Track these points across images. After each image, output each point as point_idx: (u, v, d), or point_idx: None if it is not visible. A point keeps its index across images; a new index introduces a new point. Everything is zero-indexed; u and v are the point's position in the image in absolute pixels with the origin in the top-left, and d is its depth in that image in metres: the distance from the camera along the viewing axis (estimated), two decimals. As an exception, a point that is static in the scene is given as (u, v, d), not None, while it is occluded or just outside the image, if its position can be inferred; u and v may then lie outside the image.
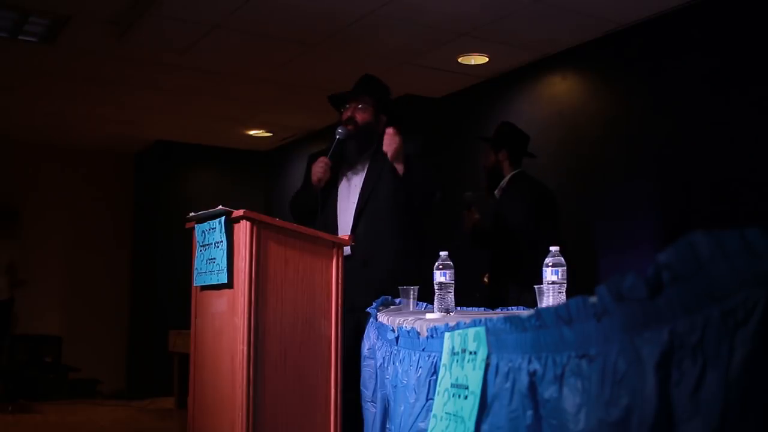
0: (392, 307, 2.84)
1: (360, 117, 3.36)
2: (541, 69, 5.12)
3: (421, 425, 1.87)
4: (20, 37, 4.88)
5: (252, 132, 7.48)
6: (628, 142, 4.48)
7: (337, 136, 3.30)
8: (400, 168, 3.19)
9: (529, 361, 1.34)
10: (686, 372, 0.97)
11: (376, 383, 2.45)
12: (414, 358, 1.97)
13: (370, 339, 2.58)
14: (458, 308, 2.58)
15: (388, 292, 2.93)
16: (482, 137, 4.22)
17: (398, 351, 2.13)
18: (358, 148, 3.34)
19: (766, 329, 0.87)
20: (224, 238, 2.65)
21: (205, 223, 2.80)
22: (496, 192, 4.03)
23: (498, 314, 2.16)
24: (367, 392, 2.56)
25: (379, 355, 2.40)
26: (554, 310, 1.27)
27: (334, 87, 5.82)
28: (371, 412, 2.50)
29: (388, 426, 2.28)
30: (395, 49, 4.94)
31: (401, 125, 3.33)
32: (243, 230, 2.62)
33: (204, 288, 2.88)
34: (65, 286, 8.01)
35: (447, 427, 1.60)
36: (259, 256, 2.62)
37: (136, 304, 8.14)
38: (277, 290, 2.66)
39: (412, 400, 1.94)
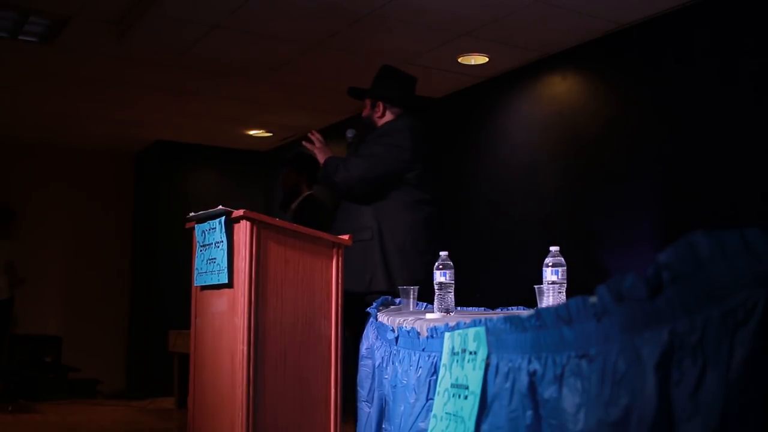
0: (392, 307, 2.84)
1: (364, 114, 3.72)
2: (541, 69, 5.12)
3: (421, 425, 1.87)
4: (20, 37, 4.87)
5: (252, 132, 7.47)
6: (628, 142, 4.48)
7: (347, 141, 3.73)
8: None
9: (529, 361, 1.34)
10: (686, 372, 0.96)
11: (372, 383, 2.45)
12: (414, 358, 1.97)
13: (368, 339, 2.58)
14: (458, 308, 2.58)
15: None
16: (284, 160, 5.12)
17: (398, 351, 2.13)
18: (362, 141, 3.68)
19: (766, 329, 0.87)
20: (224, 238, 2.65)
21: (205, 223, 2.80)
22: (292, 206, 4.82)
23: (498, 314, 2.16)
24: (362, 392, 2.56)
25: (377, 354, 2.40)
26: (554, 310, 1.27)
27: (334, 87, 5.86)
28: (365, 411, 2.50)
29: (384, 426, 2.28)
30: (395, 49, 4.94)
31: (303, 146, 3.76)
32: (243, 230, 2.62)
33: (204, 288, 2.88)
34: (65, 286, 8.01)
35: (447, 427, 1.60)
36: (259, 256, 2.62)
37: (136, 304, 8.13)
38: (277, 290, 2.67)
39: (412, 400, 1.94)
